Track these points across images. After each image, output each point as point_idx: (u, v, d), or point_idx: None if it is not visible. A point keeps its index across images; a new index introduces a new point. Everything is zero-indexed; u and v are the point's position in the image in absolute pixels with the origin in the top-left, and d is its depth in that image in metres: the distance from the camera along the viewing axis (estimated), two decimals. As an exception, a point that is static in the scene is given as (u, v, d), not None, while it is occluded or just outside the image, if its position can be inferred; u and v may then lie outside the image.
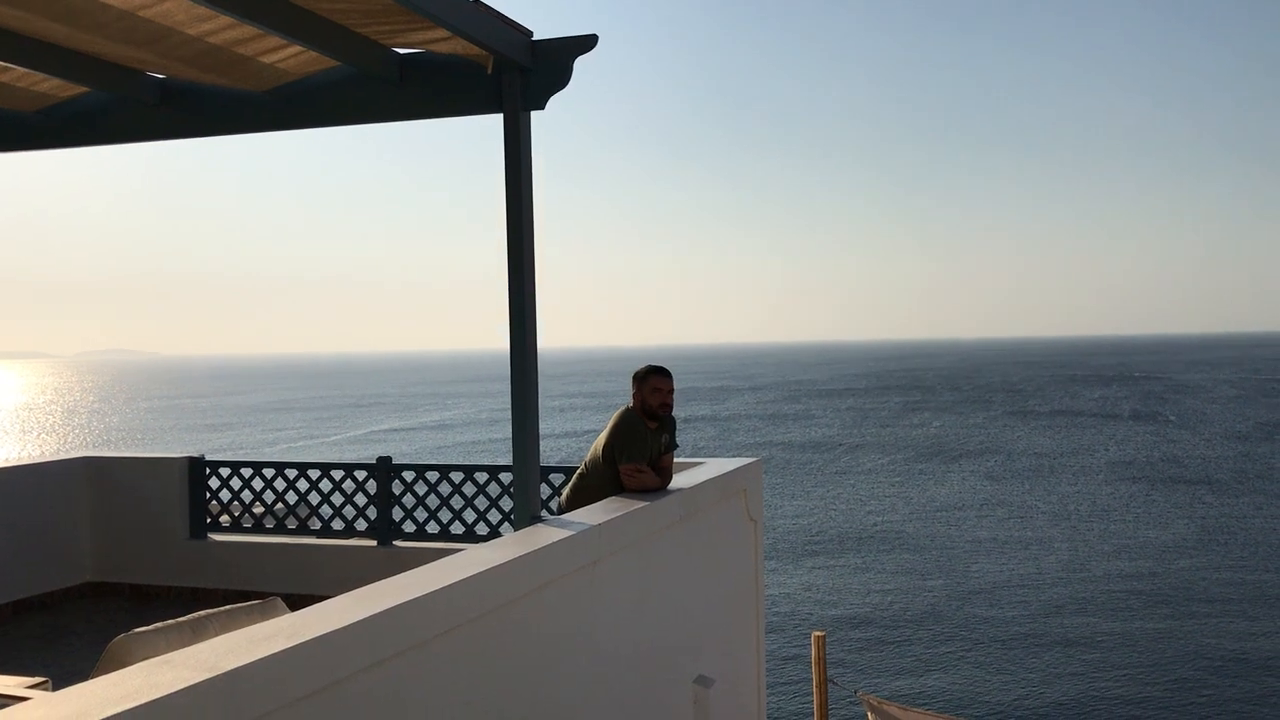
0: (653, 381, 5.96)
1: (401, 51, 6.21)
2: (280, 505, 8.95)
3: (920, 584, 33.18)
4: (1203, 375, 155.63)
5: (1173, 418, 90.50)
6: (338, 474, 8.79)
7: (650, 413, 5.94)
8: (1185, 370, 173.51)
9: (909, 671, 24.89)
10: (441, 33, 5.45)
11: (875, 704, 9.02)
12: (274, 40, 5.81)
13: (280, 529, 8.83)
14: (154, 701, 2.57)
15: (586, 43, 5.81)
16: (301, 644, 3.07)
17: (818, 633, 9.30)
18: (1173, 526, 42.21)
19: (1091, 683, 23.98)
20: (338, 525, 8.76)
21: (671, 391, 5.99)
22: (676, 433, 6.19)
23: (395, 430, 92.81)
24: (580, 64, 5.85)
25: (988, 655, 26.03)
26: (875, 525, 43.23)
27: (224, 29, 5.69)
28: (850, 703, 14.12)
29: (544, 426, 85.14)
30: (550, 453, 63.07)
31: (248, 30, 5.68)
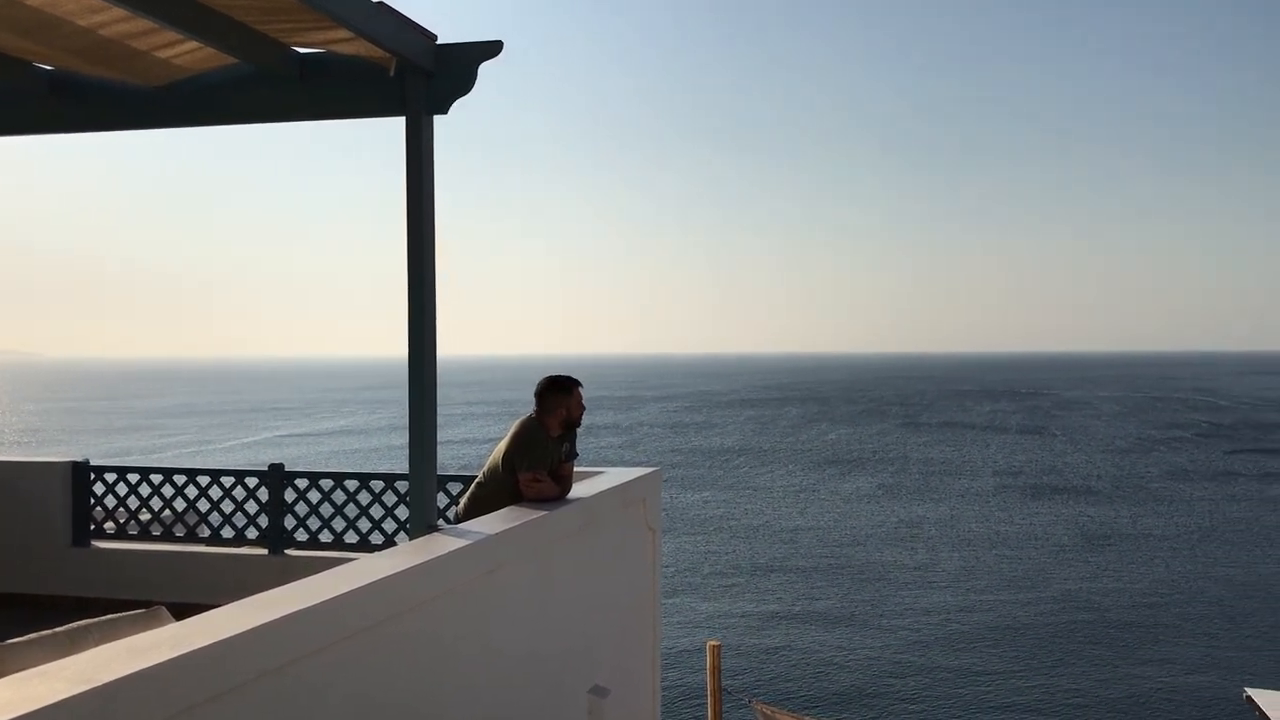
0: (578, 393, 6.00)
1: (302, 51, 6.10)
2: (168, 512, 8.70)
3: (815, 592, 33.69)
4: (1087, 392, 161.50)
5: (1057, 432, 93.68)
6: (228, 480, 8.58)
7: (573, 423, 5.97)
8: (1070, 387, 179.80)
9: (802, 679, 25.24)
10: (344, 33, 5.38)
11: (768, 712, 9.13)
12: (169, 35, 5.66)
13: (168, 536, 8.59)
14: (26, 715, 2.48)
15: (492, 48, 5.79)
16: (186, 654, 2.99)
17: (713, 642, 9.38)
18: (1054, 535, 43.66)
19: (978, 686, 24.63)
20: (227, 533, 8.55)
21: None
22: (576, 442, 6.19)
23: (291, 436, 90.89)
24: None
25: (880, 661, 26.54)
26: (773, 535, 43.77)
27: (117, 21, 5.52)
28: (744, 711, 14.26)
29: (444, 434, 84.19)
30: (450, 461, 62.40)
31: (142, 24, 5.52)
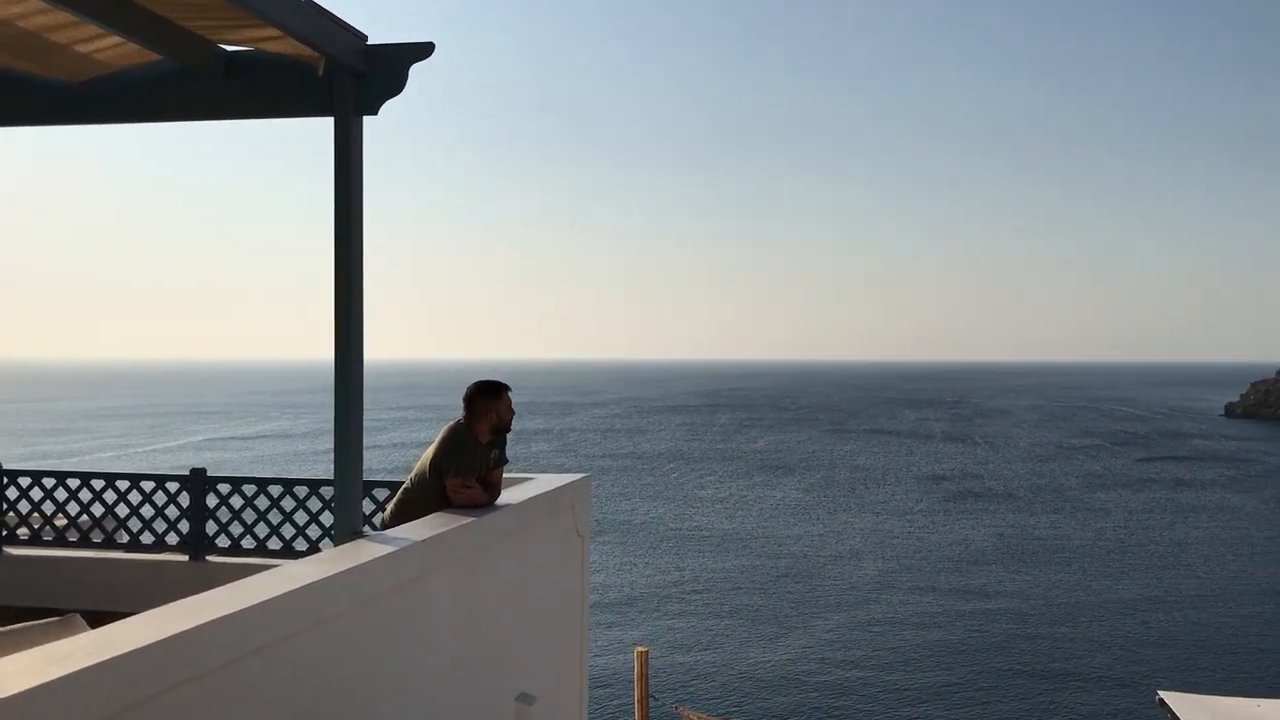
0: (507, 397, 5.95)
1: (229, 48, 5.99)
2: (85, 518, 8.47)
3: (743, 598, 33.90)
4: (1008, 401, 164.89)
5: (980, 440, 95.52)
6: (148, 485, 8.38)
7: (503, 428, 5.92)
8: (992, 396, 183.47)
9: (729, 685, 25.37)
10: (271, 31, 5.30)
11: (695, 718, 9.16)
12: (90, 29, 5.53)
13: (84, 543, 8.36)
14: (-69, 728, 2.40)
15: (423, 50, 5.75)
16: (101, 663, 2.92)
17: (640, 648, 9.40)
18: (976, 541, 44.47)
19: (898, 690, 24.97)
20: (147, 539, 8.35)
21: None
22: (506, 447, 6.16)
23: (214, 440, 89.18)
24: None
25: (805, 666, 26.78)
26: (702, 541, 43.95)
27: (35, 13, 5.38)
28: (671, 717, 14.29)
29: (372, 439, 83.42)
30: (377, 466, 61.64)
31: (62, 16, 5.38)
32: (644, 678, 9.10)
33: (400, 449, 76.93)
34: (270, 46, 5.65)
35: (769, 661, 27.20)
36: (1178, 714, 6.09)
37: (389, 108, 5.83)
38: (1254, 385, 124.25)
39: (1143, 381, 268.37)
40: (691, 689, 24.62)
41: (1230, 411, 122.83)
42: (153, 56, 5.98)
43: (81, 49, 5.85)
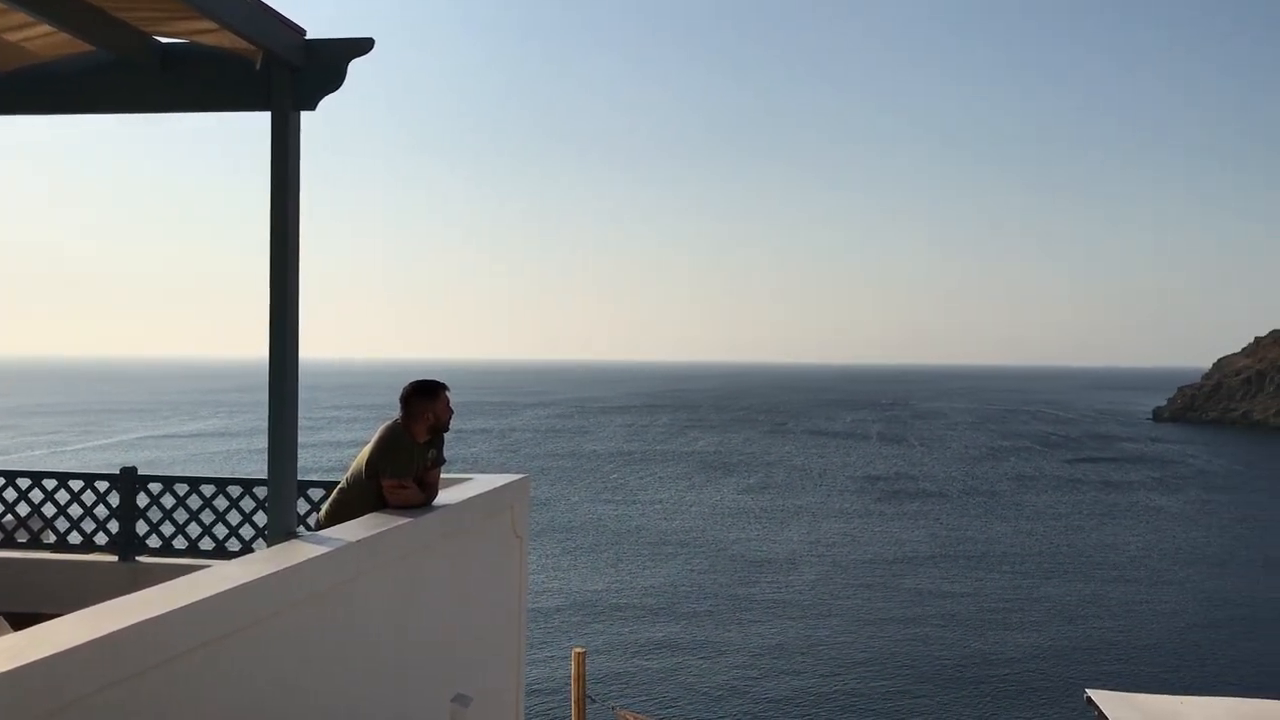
0: (445, 396, 5.90)
1: (164, 40, 5.89)
2: (9, 517, 8.27)
3: (682, 599, 34.02)
4: (943, 404, 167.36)
5: (915, 441, 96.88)
6: (76, 484, 8.20)
7: (441, 428, 5.87)
8: (928, 399, 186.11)
9: (667, 685, 25.44)
10: (208, 23, 5.21)
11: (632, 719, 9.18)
12: (19, 17, 5.40)
13: (9, 543, 8.16)
14: None
15: (362, 45, 5.70)
16: (24, 666, 2.86)
17: (578, 649, 9.39)
18: (909, 539, 45.13)
19: (832, 686, 25.23)
20: (75, 539, 8.17)
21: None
22: (443, 448, 6.12)
23: (147, 439, 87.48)
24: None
25: (743, 665, 26.95)
26: (642, 541, 44.04)
27: (-40, 0, 5.24)
28: (608, 718, 14.29)
29: (309, 438, 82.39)
30: (313, 465, 60.87)
31: (-12, 4, 5.25)
32: (581, 679, 9.10)
33: (337, 448, 76.07)
34: (207, 39, 5.57)
35: (707, 664, 27.33)
36: (1105, 712, 6.22)
37: (327, 104, 5.77)
38: (1181, 390, 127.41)
39: (1074, 386, 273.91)
40: (630, 690, 24.65)
41: (1158, 415, 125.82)
42: (85, 47, 5.86)
43: (9, 37, 5.71)
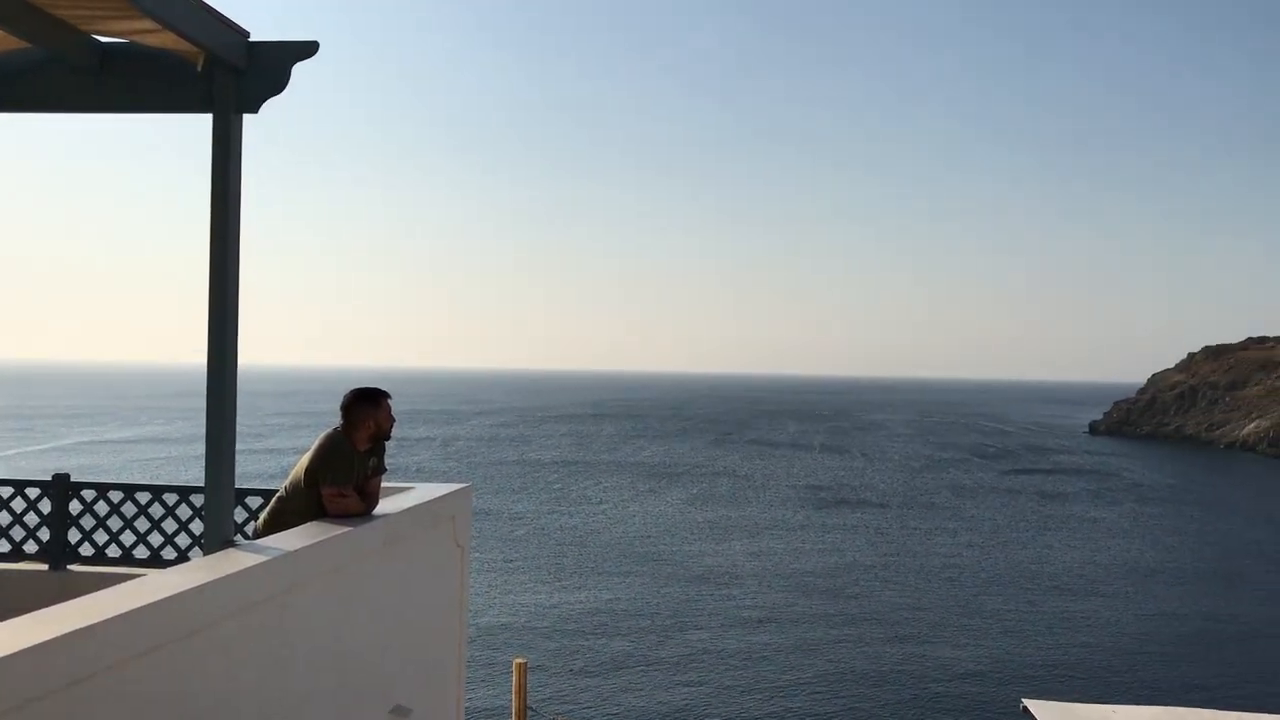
0: (387, 405, 5.84)
1: (103, 39, 5.80)
2: (-67, 525, 8.05)
3: (625, 610, 33.99)
4: (884, 415, 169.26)
5: (857, 452, 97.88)
6: (6, 491, 8.02)
7: (382, 436, 5.82)
8: (871, 410, 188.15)
9: (609, 697, 25.40)
10: (149, 23, 5.14)
11: (574, 728, 9.16)
12: (-50, 12, 5.28)
13: (-69, 551, 7.94)
14: None
15: (307, 49, 5.66)
16: (-55, 679, 2.79)
17: (519, 660, 9.35)
18: (849, 548, 45.57)
19: (774, 699, 25.35)
20: (4, 547, 7.98)
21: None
22: (384, 456, 6.07)
23: (81, 445, 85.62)
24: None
25: (683, 678, 26.98)
26: (585, 551, 43.95)
27: (-110, -6, 5.11)
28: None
29: (250, 445, 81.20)
30: (252, 473, 60.01)
31: (-82, -3, 5.13)
32: (522, 690, 9.06)
33: (278, 455, 75.04)
34: (148, 39, 5.49)
35: (648, 678, 27.33)
36: (1039, 720, 6.31)
37: (272, 106, 5.72)
38: (1117, 404, 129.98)
39: (1012, 399, 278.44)
40: (570, 702, 24.57)
41: (1094, 429, 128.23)
42: (19, 44, 5.74)
43: (-58, 33, 5.58)
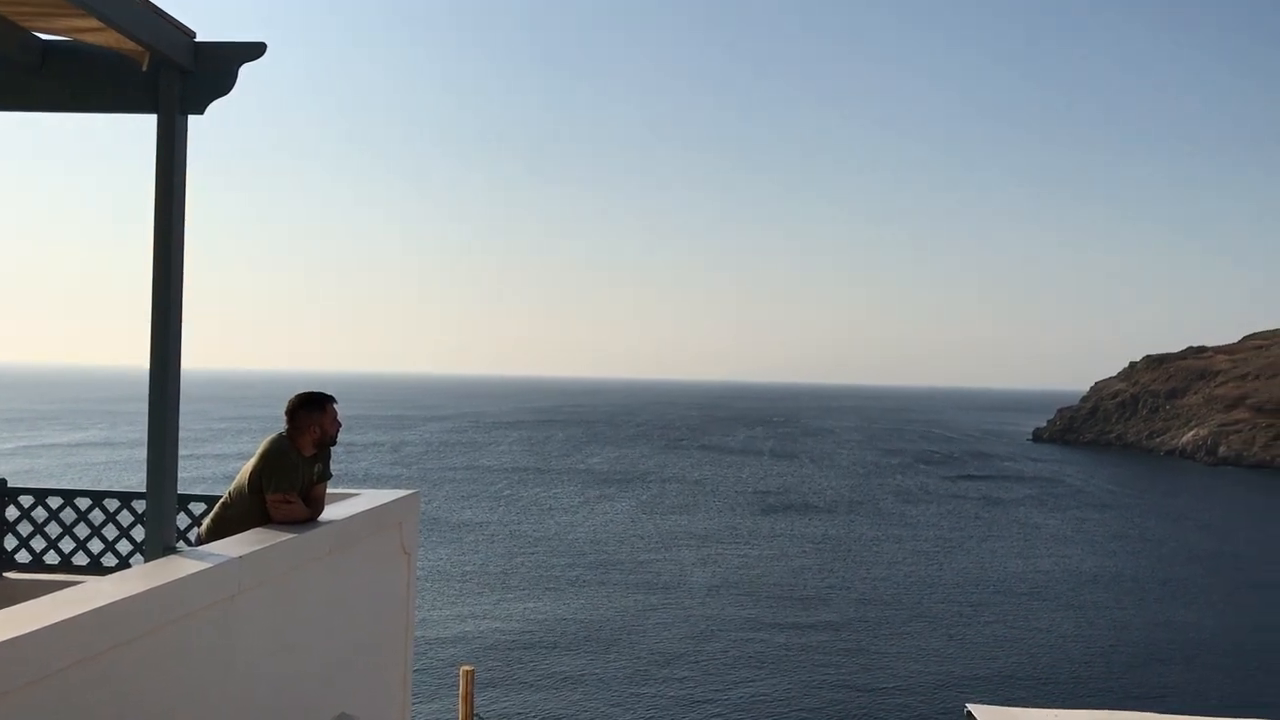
0: (331, 409, 5.77)
1: (45, 38, 5.70)
2: None
3: (573, 617, 33.93)
4: (832, 422, 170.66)
5: (806, 457, 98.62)
6: (-62, 497, 7.83)
7: (327, 441, 5.75)
8: (819, 416, 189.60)
9: (556, 704, 25.32)
10: (93, 22, 5.07)
11: (522, 735, 9.13)
12: (-115, 6, 5.17)
13: None
14: None
15: (254, 50, 5.62)
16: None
17: (466, 667, 9.30)
18: (797, 553, 45.90)
19: (721, 702, 25.41)
20: (-65, 554, 7.79)
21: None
22: (330, 462, 6.02)
23: (21, 449, 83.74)
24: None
25: (632, 683, 26.97)
26: (534, 558, 43.80)
27: None
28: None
29: (195, 451, 79.98)
30: (197, 478, 59.11)
31: None
32: (469, 697, 9.01)
33: (223, 460, 73.98)
34: (91, 38, 5.41)
35: (597, 677, 27.29)
36: (983, 726, 6.38)
37: (227, 107, 5.66)
38: (1060, 411, 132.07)
39: (958, 406, 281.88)
40: (517, 708, 24.46)
41: (1038, 436, 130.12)
42: (-43, 41, 5.63)
43: (-125, 27, 5.45)
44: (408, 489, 7.53)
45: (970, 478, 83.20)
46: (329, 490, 6.16)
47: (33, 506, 7.80)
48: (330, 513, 6.08)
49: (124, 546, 7.76)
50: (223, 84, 5.58)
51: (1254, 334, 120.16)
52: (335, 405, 5.82)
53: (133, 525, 7.71)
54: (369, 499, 6.88)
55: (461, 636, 30.62)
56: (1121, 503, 69.45)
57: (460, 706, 9.06)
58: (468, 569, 40.70)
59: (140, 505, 7.61)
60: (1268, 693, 28.07)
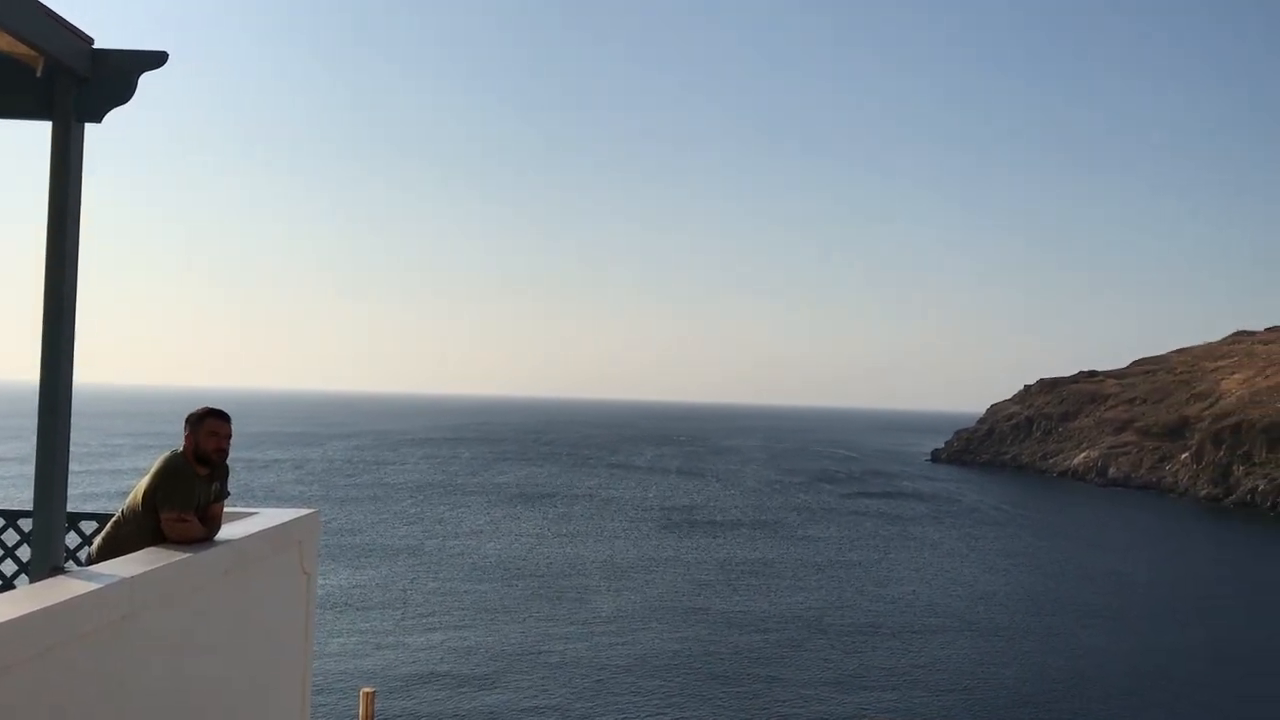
0: (209, 424, 5.59)
1: (-69, 39, 5.51)
2: None
3: (476, 636, 33.62)
4: (739, 441, 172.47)
5: (712, 475, 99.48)
6: None
7: (203, 458, 5.59)
8: (726, 436, 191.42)
9: (461, 724, 25.04)
10: (-16, 25, 4.92)
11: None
12: None
13: None
14: None
15: (155, 59, 5.51)
16: None
17: (367, 689, 9.16)
18: (701, 570, 46.25)
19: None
20: None
21: (229, 437, 5.66)
22: (229, 480, 5.89)
23: (-108, 465, 79.87)
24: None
25: (538, 705, 26.81)
26: (438, 577, 43.30)
27: None
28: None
29: (89, 466, 77.24)
30: (90, 495, 57.13)
31: None
32: (369, 719, 8.87)
33: (118, 476, 71.60)
34: (-19, 40, 5.25)
35: (500, 699, 27.05)
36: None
37: (129, 114, 5.54)
38: (957, 433, 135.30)
39: (859, 427, 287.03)
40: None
41: (936, 456, 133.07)
42: None
43: None
44: (309, 507, 7.40)
45: (869, 495, 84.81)
46: (226, 509, 6.02)
47: (-91, 525, 7.46)
48: (227, 532, 5.95)
49: (9, 567, 7.45)
50: (122, 92, 5.46)
51: (1142, 359, 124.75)
52: (221, 421, 5.66)
53: (19, 544, 7.42)
54: (268, 518, 6.75)
55: (361, 657, 30.09)
56: (1013, 521, 71.41)
57: (360, 729, 8.93)
58: (369, 588, 40.03)
59: (27, 524, 7.34)
60: (1151, 710, 29.13)
